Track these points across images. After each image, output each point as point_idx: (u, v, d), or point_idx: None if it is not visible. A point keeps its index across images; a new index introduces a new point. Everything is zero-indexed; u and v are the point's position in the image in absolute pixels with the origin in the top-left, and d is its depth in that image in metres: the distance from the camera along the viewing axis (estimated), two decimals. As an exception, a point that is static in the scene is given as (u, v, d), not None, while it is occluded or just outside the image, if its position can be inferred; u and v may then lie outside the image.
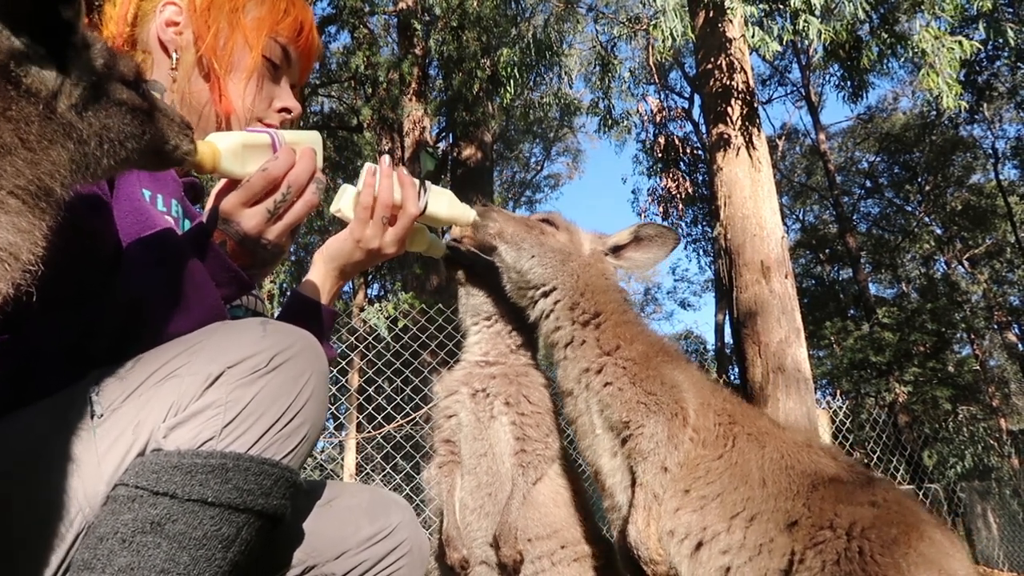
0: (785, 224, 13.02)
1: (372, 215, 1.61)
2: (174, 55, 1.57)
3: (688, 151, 18.00)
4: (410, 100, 12.78)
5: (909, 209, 27.52)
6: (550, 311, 2.11)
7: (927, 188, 26.34)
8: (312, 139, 1.40)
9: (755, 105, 9.45)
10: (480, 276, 2.28)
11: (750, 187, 8.86)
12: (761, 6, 8.80)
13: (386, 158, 1.66)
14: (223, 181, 1.36)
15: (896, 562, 1.59)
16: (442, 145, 14.96)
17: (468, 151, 13.32)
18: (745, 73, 9.41)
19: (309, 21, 1.66)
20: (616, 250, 2.24)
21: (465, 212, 1.94)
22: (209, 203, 1.43)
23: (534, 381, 2.23)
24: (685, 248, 22.58)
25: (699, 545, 1.80)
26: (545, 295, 2.12)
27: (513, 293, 2.18)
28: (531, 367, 2.28)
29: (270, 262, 1.36)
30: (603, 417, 1.98)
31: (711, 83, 9.40)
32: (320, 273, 1.68)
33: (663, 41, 9.18)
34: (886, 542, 1.62)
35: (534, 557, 2.05)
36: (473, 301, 2.32)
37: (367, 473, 8.35)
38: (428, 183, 1.72)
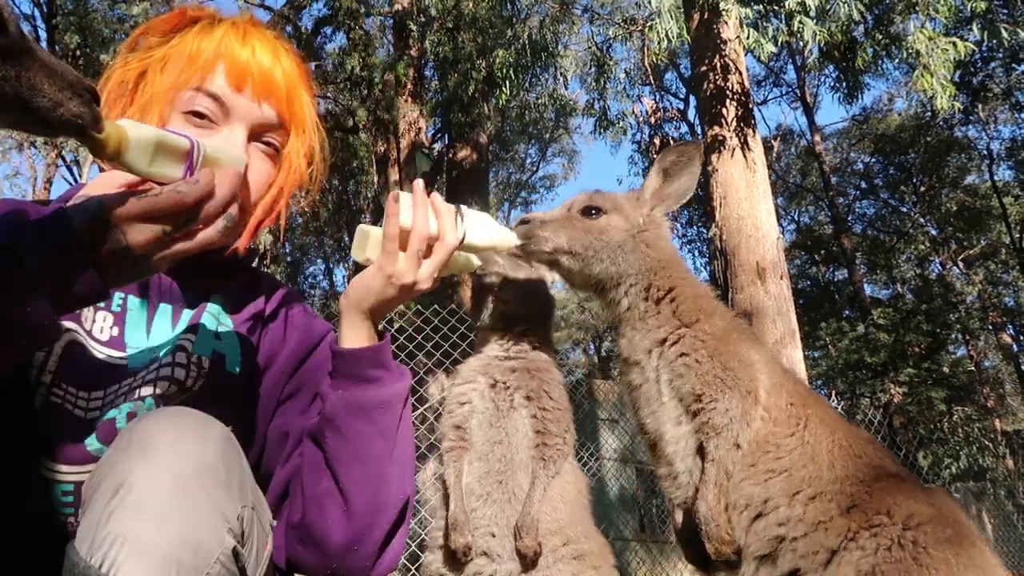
0: (780, 225, 13.05)
1: (404, 247, 1.39)
2: None
3: (684, 152, 18.00)
4: (406, 101, 12.77)
5: (904, 210, 27.60)
6: (622, 298, 2.09)
7: (922, 189, 26.43)
8: (236, 160, 1.19)
9: (750, 106, 9.47)
10: (504, 294, 2.32)
11: (745, 188, 8.87)
12: (756, 8, 8.82)
13: (419, 182, 1.44)
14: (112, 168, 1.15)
15: (947, 558, 1.62)
16: (438, 146, 14.96)
17: (464, 152, 13.31)
18: (740, 74, 9.42)
19: (244, 58, 1.38)
20: (654, 196, 2.18)
21: (504, 237, 1.68)
22: (89, 187, 1.23)
23: (555, 378, 2.27)
24: (681, 249, 22.65)
25: (758, 516, 1.82)
26: (617, 285, 2.09)
27: (581, 291, 2.17)
28: (551, 363, 2.30)
29: (127, 279, 1.09)
30: (672, 387, 1.97)
31: (706, 84, 9.42)
32: (353, 325, 1.40)
33: (658, 42, 9.19)
34: (940, 539, 1.65)
35: None
36: (495, 314, 2.34)
37: (363, 475, 8.31)
38: (464, 208, 1.51)
